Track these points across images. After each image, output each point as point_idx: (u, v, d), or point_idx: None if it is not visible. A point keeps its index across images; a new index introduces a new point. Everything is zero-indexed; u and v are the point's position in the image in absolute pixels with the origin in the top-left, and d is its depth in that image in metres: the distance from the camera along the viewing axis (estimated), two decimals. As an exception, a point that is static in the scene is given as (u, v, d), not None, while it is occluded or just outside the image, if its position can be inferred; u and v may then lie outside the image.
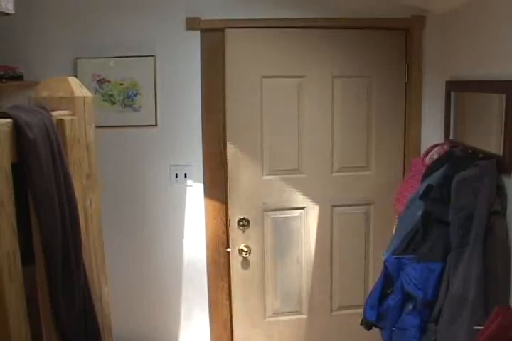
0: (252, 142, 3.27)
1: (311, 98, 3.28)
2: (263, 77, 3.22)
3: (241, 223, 3.33)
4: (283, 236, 3.41)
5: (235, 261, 3.37)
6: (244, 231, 3.35)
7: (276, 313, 3.46)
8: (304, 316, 3.48)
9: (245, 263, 3.38)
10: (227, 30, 3.15)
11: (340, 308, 3.48)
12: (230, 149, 3.25)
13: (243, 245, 3.35)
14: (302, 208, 3.40)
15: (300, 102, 3.28)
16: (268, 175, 3.32)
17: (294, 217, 3.40)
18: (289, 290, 3.46)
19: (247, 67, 3.20)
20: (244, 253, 3.34)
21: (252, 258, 3.38)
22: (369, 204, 3.43)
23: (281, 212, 3.38)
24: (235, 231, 3.34)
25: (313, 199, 3.40)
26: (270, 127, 3.27)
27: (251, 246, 3.36)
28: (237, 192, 3.30)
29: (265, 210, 3.36)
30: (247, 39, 3.19)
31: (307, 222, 3.41)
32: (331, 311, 3.49)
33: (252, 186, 3.31)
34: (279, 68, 3.24)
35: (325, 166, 3.37)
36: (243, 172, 3.28)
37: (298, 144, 3.32)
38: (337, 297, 3.48)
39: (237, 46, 3.18)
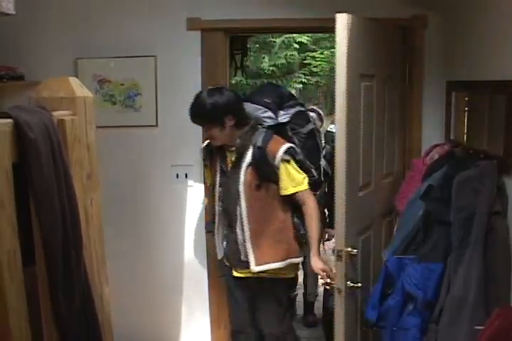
0: (355, 153, 2.61)
1: (377, 99, 2.86)
2: (361, 75, 2.63)
3: (352, 253, 2.56)
4: (363, 264, 2.82)
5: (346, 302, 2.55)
6: (354, 264, 2.64)
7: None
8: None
9: (354, 303, 2.69)
10: (341, 15, 2.41)
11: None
12: (351, 166, 2.50)
13: (351, 282, 2.56)
14: (371, 226, 2.93)
15: (374, 103, 2.83)
16: (360, 190, 2.74)
17: (368, 237, 2.90)
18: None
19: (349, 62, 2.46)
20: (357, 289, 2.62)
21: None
22: (391, 212, 3.18)
23: (363, 234, 2.83)
24: (347, 265, 2.54)
25: (375, 214, 3.01)
26: (364, 134, 2.72)
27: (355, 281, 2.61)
28: (348, 215, 2.50)
29: (358, 234, 2.74)
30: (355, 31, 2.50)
31: (372, 242, 2.96)
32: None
33: (351, 206, 2.54)
34: (368, 65, 2.70)
35: (379, 175, 3.01)
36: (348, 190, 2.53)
37: (372, 152, 2.87)
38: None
39: (354, 37, 2.46)
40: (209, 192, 3.09)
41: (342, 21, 2.42)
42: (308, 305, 4.53)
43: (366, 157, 2.77)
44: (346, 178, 2.46)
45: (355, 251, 2.56)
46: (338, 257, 2.52)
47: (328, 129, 4.33)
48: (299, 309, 4.57)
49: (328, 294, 4.15)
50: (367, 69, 2.71)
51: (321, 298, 4.42)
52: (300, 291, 4.59)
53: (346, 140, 2.44)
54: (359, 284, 2.59)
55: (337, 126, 2.47)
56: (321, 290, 4.50)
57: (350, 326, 2.66)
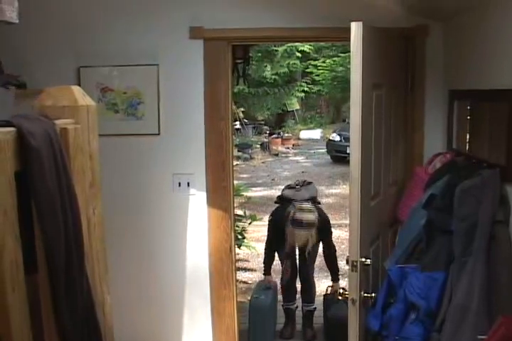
0: (368, 162, 2.60)
1: (385, 108, 2.86)
2: (374, 85, 2.61)
3: (365, 263, 2.53)
4: (372, 275, 2.81)
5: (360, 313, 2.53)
6: (367, 275, 2.63)
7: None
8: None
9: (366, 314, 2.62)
10: (356, 23, 2.39)
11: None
12: (364, 175, 2.50)
13: (364, 293, 2.57)
14: (379, 236, 2.90)
15: (383, 113, 2.83)
16: (371, 200, 2.73)
17: (377, 247, 2.87)
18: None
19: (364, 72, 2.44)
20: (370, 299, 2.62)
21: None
22: (396, 221, 3.12)
23: (373, 244, 2.81)
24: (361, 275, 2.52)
25: (383, 223, 2.98)
26: (374, 144, 2.72)
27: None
28: (362, 225, 2.48)
29: (370, 244, 2.70)
30: (373, 39, 2.54)
31: (381, 252, 2.93)
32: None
33: (364, 216, 2.52)
34: (378, 74, 2.67)
35: (386, 184, 2.99)
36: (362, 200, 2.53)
37: (382, 161, 2.85)
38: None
39: (368, 47, 2.46)
40: None
41: (357, 30, 2.40)
42: (307, 319, 4.45)
43: (377, 166, 2.77)
44: (361, 188, 2.45)
45: (368, 261, 2.54)
46: (353, 267, 2.49)
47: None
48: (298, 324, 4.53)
49: (330, 303, 4.13)
50: (377, 79, 2.69)
51: (320, 306, 4.39)
52: (298, 303, 4.55)
53: (361, 150, 2.43)
54: (373, 294, 2.58)
55: (352, 136, 2.47)
56: (320, 299, 4.47)
57: (363, 336, 2.64)
